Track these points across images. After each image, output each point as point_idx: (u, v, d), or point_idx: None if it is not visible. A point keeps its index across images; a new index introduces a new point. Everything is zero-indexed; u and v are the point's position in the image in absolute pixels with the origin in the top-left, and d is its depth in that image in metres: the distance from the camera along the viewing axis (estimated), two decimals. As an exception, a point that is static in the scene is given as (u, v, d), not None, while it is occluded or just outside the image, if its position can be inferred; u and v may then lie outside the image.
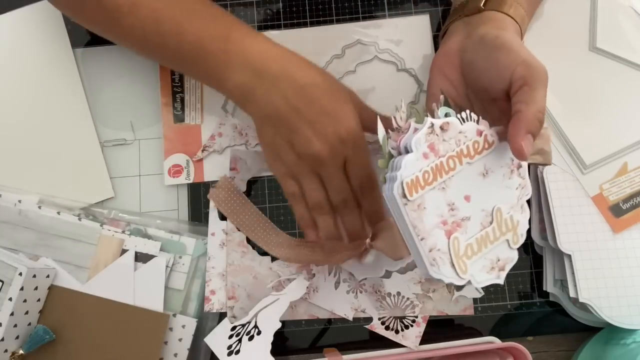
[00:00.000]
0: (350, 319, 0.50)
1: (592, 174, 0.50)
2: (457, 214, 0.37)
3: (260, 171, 0.54)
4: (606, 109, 0.51)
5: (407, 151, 0.36)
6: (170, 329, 0.49)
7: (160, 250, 0.51)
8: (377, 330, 0.50)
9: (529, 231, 0.51)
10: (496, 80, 0.39)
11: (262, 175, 0.54)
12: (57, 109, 0.55)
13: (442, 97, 0.38)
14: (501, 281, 0.38)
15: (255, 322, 0.48)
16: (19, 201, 0.52)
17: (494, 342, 0.45)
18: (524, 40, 0.47)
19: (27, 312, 0.47)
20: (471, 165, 0.37)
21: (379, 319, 0.50)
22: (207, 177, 0.54)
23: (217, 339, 0.48)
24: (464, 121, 0.37)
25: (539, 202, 0.51)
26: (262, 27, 0.57)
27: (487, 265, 0.38)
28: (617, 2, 0.53)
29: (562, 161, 0.50)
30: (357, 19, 0.57)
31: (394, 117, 0.38)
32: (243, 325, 0.48)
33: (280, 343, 0.51)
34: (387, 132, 0.38)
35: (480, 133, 0.38)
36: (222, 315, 0.51)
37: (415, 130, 0.36)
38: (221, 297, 0.51)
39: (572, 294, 0.48)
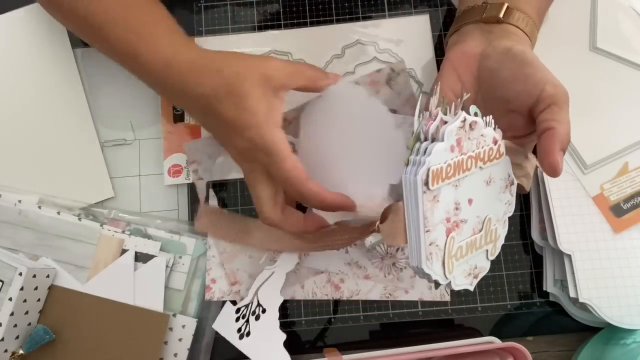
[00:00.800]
0: (346, 274, 0.50)
1: (593, 174, 0.50)
2: (459, 215, 0.37)
3: (226, 164, 0.53)
4: (607, 108, 0.51)
5: (433, 139, 0.35)
6: (170, 329, 0.49)
7: (160, 250, 0.51)
8: (373, 279, 0.50)
9: (529, 231, 0.52)
10: (521, 95, 0.40)
11: (231, 178, 0.54)
12: (57, 109, 0.55)
13: (465, 94, 0.38)
14: (472, 288, 0.39)
15: (258, 301, 0.48)
16: (19, 201, 0.52)
17: (494, 342, 0.45)
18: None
19: (27, 312, 0.47)
20: (482, 171, 0.38)
21: (372, 262, 0.50)
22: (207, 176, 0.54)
23: (225, 324, 0.49)
24: (486, 125, 0.37)
25: (539, 202, 0.51)
26: (262, 27, 0.57)
27: (466, 270, 0.38)
28: (618, 2, 0.53)
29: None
30: (357, 19, 0.57)
31: (431, 100, 0.37)
32: (246, 306, 0.49)
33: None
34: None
35: (495, 141, 0.38)
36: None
37: (442, 120, 0.36)
38: (222, 286, 0.51)
39: (572, 294, 0.48)
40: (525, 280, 0.52)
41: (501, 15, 0.43)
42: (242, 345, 0.47)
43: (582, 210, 0.49)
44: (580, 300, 0.47)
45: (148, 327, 0.48)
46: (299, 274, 0.51)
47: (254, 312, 0.48)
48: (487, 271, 0.40)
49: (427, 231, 0.35)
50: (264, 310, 0.48)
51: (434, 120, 0.35)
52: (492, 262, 0.52)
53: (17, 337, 0.46)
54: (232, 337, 0.48)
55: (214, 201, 0.53)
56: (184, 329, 0.49)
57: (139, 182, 0.54)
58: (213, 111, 0.41)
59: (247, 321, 0.48)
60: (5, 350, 0.45)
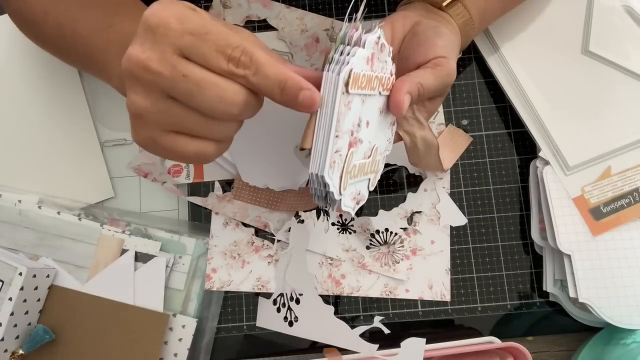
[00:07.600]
0: (343, 259, 0.51)
1: (575, 176, 0.50)
2: (359, 133, 0.36)
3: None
4: (594, 112, 0.51)
5: (354, 46, 0.35)
6: (170, 329, 0.49)
7: (160, 250, 0.51)
8: (370, 267, 0.51)
9: (529, 231, 0.52)
10: (420, 54, 0.42)
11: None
12: (57, 109, 0.55)
13: (379, 22, 0.40)
14: (353, 214, 0.39)
15: (291, 288, 0.50)
16: (19, 201, 0.52)
17: (494, 342, 0.45)
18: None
19: (27, 312, 0.47)
20: (380, 97, 0.38)
21: (369, 248, 0.51)
22: (207, 177, 0.54)
23: (268, 318, 0.50)
24: (388, 54, 0.39)
25: (538, 202, 0.51)
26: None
27: (352, 193, 0.38)
28: (613, 7, 0.53)
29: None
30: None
31: (359, 13, 0.37)
32: (281, 295, 0.50)
33: (281, 343, 0.51)
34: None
35: (392, 74, 0.40)
36: (222, 314, 0.51)
37: (362, 34, 0.36)
38: (222, 276, 0.51)
39: (572, 294, 0.48)
40: (525, 280, 0.52)
41: (444, 3, 0.46)
42: (296, 331, 0.49)
43: (571, 211, 0.49)
44: (580, 300, 0.47)
45: (148, 327, 0.48)
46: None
47: (292, 298, 0.50)
48: (365, 201, 0.40)
49: (337, 136, 0.34)
50: (301, 294, 0.50)
51: (357, 31, 0.36)
52: (492, 262, 0.52)
53: (17, 337, 0.46)
54: (282, 327, 0.49)
55: (218, 192, 0.53)
56: (184, 329, 0.49)
57: (139, 182, 0.54)
58: None
59: (289, 308, 0.49)
60: (5, 350, 0.45)
